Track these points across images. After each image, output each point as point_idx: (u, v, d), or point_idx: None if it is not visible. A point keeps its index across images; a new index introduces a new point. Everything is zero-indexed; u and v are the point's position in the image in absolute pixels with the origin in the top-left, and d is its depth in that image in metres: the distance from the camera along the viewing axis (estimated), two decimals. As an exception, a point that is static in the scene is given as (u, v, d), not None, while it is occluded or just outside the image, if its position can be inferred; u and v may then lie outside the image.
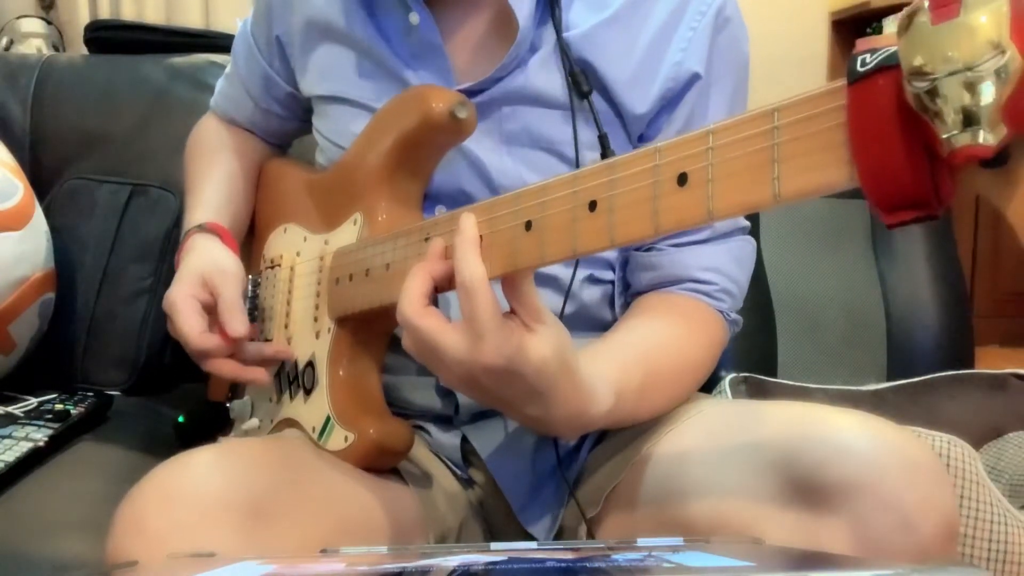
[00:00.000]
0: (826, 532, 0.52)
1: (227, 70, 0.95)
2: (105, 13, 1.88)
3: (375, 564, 0.48)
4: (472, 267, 0.53)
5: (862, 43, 0.37)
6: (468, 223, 0.55)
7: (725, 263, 0.74)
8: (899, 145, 0.35)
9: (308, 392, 0.75)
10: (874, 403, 1.12)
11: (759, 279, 1.35)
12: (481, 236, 0.55)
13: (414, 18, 0.73)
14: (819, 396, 1.12)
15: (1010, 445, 1.06)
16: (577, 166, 0.70)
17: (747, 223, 0.77)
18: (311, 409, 0.74)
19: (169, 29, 1.49)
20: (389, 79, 0.75)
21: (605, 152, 0.70)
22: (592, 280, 0.77)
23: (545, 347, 0.54)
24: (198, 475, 0.58)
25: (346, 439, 0.69)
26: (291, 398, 0.78)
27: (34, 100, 1.29)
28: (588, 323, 0.77)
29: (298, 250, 0.82)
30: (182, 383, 1.17)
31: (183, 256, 0.79)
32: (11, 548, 0.78)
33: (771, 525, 0.54)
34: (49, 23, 1.80)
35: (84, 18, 1.84)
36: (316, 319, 0.76)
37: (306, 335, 0.77)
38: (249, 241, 0.92)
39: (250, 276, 0.80)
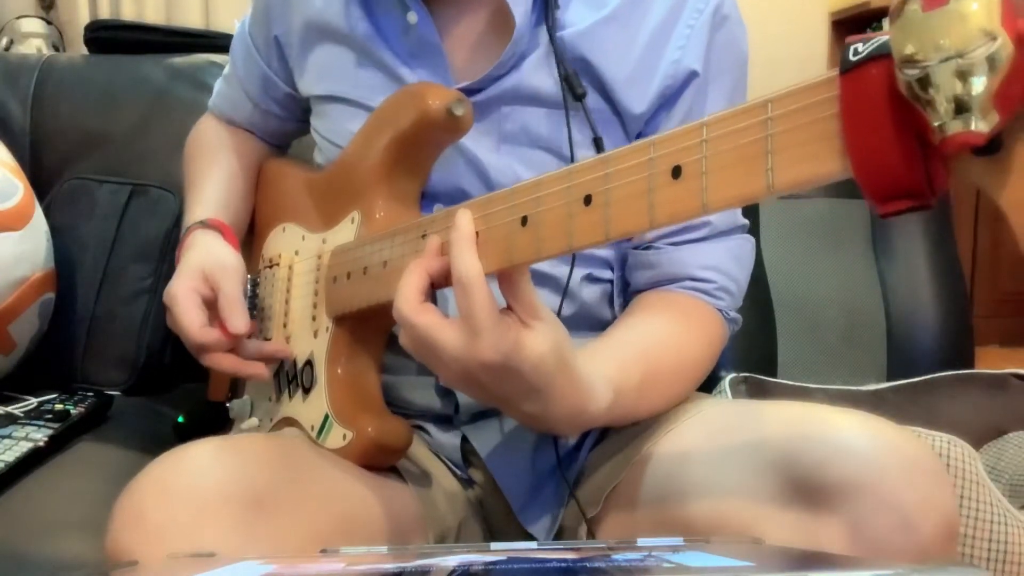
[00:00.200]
0: (826, 532, 0.52)
1: (225, 71, 0.95)
2: (105, 13, 1.89)
3: (375, 564, 0.48)
4: (468, 263, 0.53)
5: (855, 36, 0.37)
6: (464, 219, 0.55)
7: (724, 261, 0.74)
8: (892, 134, 0.35)
9: (307, 391, 0.75)
10: (874, 403, 1.12)
11: (759, 279, 1.35)
12: (477, 232, 0.54)
13: (412, 17, 0.73)
14: (819, 396, 1.11)
15: (1010, 445, 1.06)
16: None
17: (746, 221, 0.77)
18: (310, 408, 0.74)
19: (169, 29, 1.49)
20: (387, 78, 0.75)
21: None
22: (590, 279, 0.76)
23: (542, 343, 0.54)
24: (197, 468, 0.58)
25: (344, 437, 0.69)
26: (290, 397, 0.78)
27: (34, 100, 1.29)
28: (587, 322, 0.77)
29: (296, 249, 0.82)
30: (182, 383, 1.17)
31: (184, 252, 0.79)
32: (11, 548, 0.78)
33: (771, 525, 0.54)
34: (49, 23, 1.81)
35: (84, 18, 1.84)
36: (314, 318, 0.76)
37: (304, 334, 0.77)
38: (248, 241, 0.92)
39: (249, 276, 0.80)
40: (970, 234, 2.42)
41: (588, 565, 0.45)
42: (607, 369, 0.62)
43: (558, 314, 0.72)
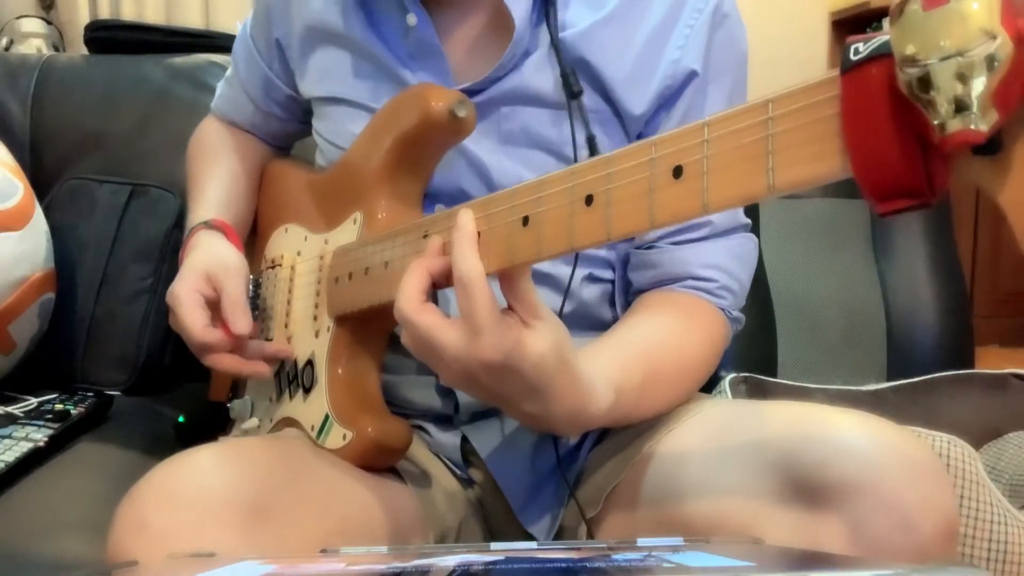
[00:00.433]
0: (826, 532, 0.52)
1: (227, 73, 0.95)
2: (105, 13, 1.89)
3: (375, 564, 0.48)
4: (469, 263, 0.53)
5: (855, 36, 0.37)
6: (466, 219, 0.55)
7: (726, 260, 0.74)
8: (892, 133, 0.35)
9: (307, 391, 0.75)
10: (874, 403, 1.12)
11: (759, 279, 1.35)
12: (479, 232, 0.54)
13: (411, 19, 0.73)
14: (819, 396, 1.11)
15: (1010, 445, 1.06)
16: None
17: (748, 220, 0.77)
18: (310, 408, 0.74)
19: (169, 29, 1.49)
20: (388, 80, 0.75)
21: (594, 154, 0.69)
22: (591, 279, 0.76)
23: (543, 343, 0.54)
24: (199, 474, 0.58)
25: (344, 437, 0.69)
26: (290, 397, 0.78)
27: (34, 100, 1.29)
28: (588, 322, 0.77)
29: (299, 250, 0.82)
30: (182, 383, 1.17)
31: (188, 252, 0.79)
32: (11, 548, 0.78)
33: (771, 525, 0.54)
34: (49, 23, 1.81)
35: (84, 18, 1.84)
36: (316, 318, 0.76)
37: (306, 334, 0.77)
38: (251, 242, 0.92)
39: (251, 276, 0.80)
40: (970, 234, 2.42)
41: (588, 565, 0.45)
42: (608, 369, 0.62)
43: (559, 314, 0.72)
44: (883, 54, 0.35)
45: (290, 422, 0.77)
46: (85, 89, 1.30)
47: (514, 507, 0.74)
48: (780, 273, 1.37)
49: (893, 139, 0.35)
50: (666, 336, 0.70)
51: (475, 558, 0.47)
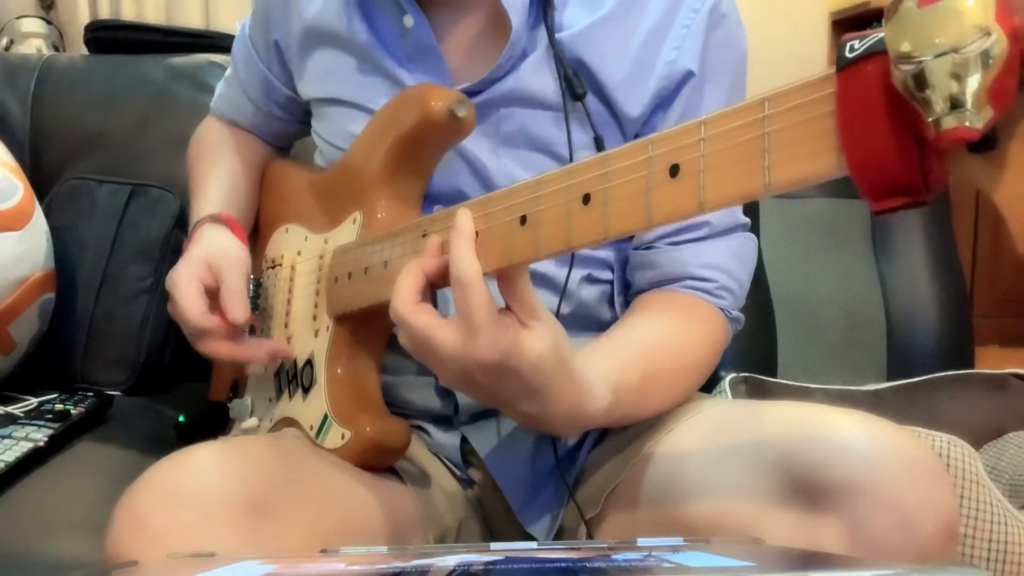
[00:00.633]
0: (826, 532, 0.52)
1: (227, 73, 0.95)
2: (105, 13, 1.88)
3: (375, 564, 0.48)
4: (466, 262, 0.53)
5: (851, 34, 0.37)
6: (464, 218, 0.55)
7: (725, 260, 0.74)
8: (887, 130, 0.35)
9: (306, 390, 0.75)
10: (874, 403, 1.12)
11: (759, 279, 1.35)
12: (477, 232, 0.54)
13: (408, 20, 0.73)
14: (819, 396, 1.11)
15: (1010, 445, 1.06)
16: None
17: (747, 220, 0.77)
18: (309, 407, 0.74)
19: (169, 29, 1.49)
20: (386, 81, 0.76)
21: None
22: (590, 280, 0.76)
23: (540, 343, 0.54)
24: (198, 472, 0.58)
25: (343, 437, 0.69)
26: (290, 397, 0.78)
27: (34, 100, 1.29)
28: (587, 323, 0.77)
29: (299, 249, 0.82)
30: (182, 383, 1.17)
31: (191, 245, 0.79)
32: (11, 548, 0.78)
33: (771, 525, 0.54)
34: (49, 23, 1.81)
35: (84, 18, 1.84)
36: (315, 318, 0.76)
37: (305, 334, 0.77)
38: (252, 241, 0.92)
39: (252, 276, 0.80)
40: (970, 234, 2.41)
41: (588, 565, 0.45)
42: (606, 369, 0.62)
43: (556, 314, 0.72)
44: (878, 51, 0.35)
45: (289, 422, 0.77)
46: (85, 89, 1.30)
47: (514, 507, 0.74)
48: (780, 273, 1.37)
49: (888, 136, 0.35)
50: (665, 336, 0.70)
51: (475, 558, 0.47)
